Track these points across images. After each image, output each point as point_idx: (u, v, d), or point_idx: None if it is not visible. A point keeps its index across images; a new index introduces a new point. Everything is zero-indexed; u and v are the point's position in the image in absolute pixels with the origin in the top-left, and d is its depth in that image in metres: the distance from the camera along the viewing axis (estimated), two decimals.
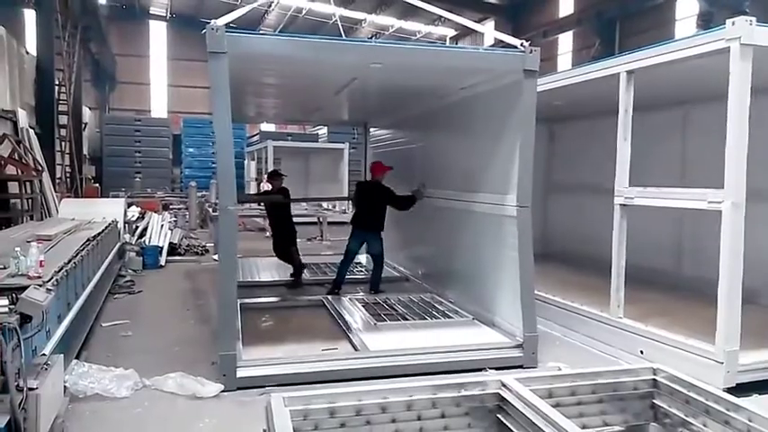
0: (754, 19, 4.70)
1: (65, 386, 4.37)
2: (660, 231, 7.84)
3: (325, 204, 19.53)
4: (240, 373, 4.95)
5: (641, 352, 5.61)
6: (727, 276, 4.82)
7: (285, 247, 9.08)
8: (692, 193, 5.29)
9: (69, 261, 5.27)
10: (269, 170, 9.39)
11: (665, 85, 6.57)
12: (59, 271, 4.71)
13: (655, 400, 3.16)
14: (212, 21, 4.90)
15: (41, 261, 4.41)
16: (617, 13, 21.31)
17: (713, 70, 5.03)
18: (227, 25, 4.89)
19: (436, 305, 7.29)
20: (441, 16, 8.31)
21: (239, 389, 4.87)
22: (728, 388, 4.53)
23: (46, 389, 3.38)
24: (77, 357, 5.34)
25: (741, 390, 4.59)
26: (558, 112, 8.64)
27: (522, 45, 5.65)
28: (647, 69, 5.72)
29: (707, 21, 14.52)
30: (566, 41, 25.26)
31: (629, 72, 5.89)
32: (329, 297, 7.62)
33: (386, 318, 6.65)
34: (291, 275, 8.98)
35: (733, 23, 4.71)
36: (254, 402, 4.53)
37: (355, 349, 5.69)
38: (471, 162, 6.94)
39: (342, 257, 8.27)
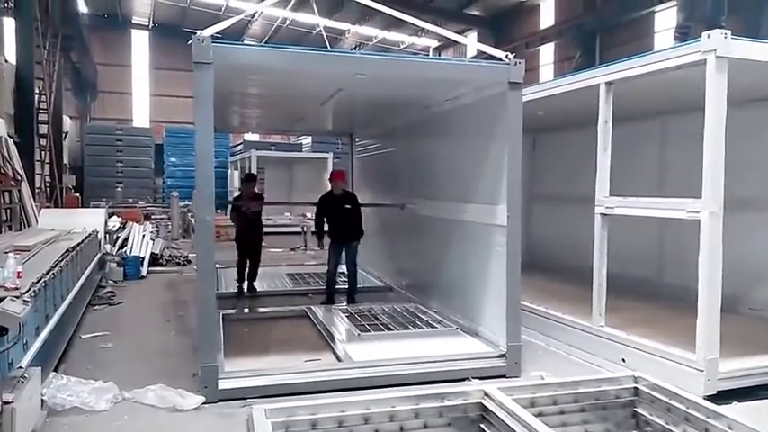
0: (729, 32, 4.80)
1: (42, 399, 4.29)
2: (641, 240, 7.93)
3: (308, 214, 19.47)
4: (222, 384, 4.89)
5: (623, 360, 5.65)
6: (706, 285, 4.88)
7: (253, 249, 9.09)
8: (671, 202, 5.36)
9: (48, 272, 5.20)
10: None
11: (644, 96, 6.67)
12: (37, 282, 4.64)
13: (636, 409, 3.19)
14: (197, 31, 4.88)
15: (19, 272, 4.35)
16: (597, 26, 21.63)
17: (690, 82, 5.13)
18: (212, 36, 4.89)
19: (420, 315, 7.29)
20: (424, 28, 8.39)
21: (221, 401, 4.80)
22: (709, 396, 4.56)
23: (22, 402, 3.32)
24: (56, 370, 5.24)
25: (721, 397, 4.64)
26: (540, 122, 8.73)
27: (506, 57, 5.70)
28: (626, 81, 5.81)
29: (684, 33, 14.78)
30: (547, 53, 25.57)
31: (609, 83, 5.98)
32: (312, 307, 7.58)
33: (369, 328, 6.63)
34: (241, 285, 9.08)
35: (709, 36, 4.80)
36: (235, 414, 4.48)
37: (339, 360, 5.66)
38: (458, 173, 6.97)
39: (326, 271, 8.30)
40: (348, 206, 8.09)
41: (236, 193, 19.71)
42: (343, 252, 8.26)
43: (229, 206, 9.78)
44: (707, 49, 4.79)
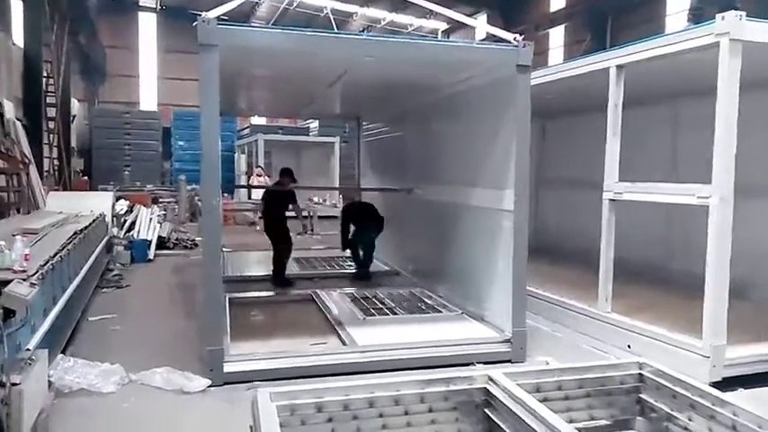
0: (743, 14, 4.70)
1: (50, 381, 4.32)
2: (649, 226, 7.87)
3: (315, 198, 19.49)
4: (227, 368, 4.92)
5: (628, 346, 5.63)
6: (714, 271, 4.84)
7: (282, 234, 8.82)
8: (681, 188, 5.30)
9: (55, 255, 5.22)
10: (282, 167, 9.40)
11: (655, 79, 6.58)
12: (45, 265, 4.66)
13: (641, 395, 3.17)
14: (203, 13, 4.84)
15: (27, 255, 4.37)
16: (608, 8, 21.34)
17: (703, 65, 5.04)
18: (218, 18, 4.84)
19: (425, 299, 7.29)
20: (432, 10, 8.29)
21: (226, 384, 4.84)
22: (714, 382, 4.55)
23: (29, 384, 3.33)
24: (63, 352, 5.29)
25: (727, 384, 4.63)
26: (549, 106, 8.65)
27: (515, 39, 5.62)
28: (637, 64, 5.73)
29: (698, 15, 14.54)
30: (557, 36, 25.28)
31: (620, 66, 5.89)
32: (318, 291, 7.59)
33: (375, 312, 6.64)
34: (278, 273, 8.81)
35: (722, 18, 4.71)
36: (241, 397, 4.50)
37: (343, 344, 5.67)
38: (466, 157, 6.93)
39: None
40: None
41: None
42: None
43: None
44: (720, 31, 4.70)
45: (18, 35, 15.58)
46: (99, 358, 5.13)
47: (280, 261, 8.68)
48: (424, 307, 6.98)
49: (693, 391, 2.89)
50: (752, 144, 5.23)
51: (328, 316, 6.56)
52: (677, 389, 2.97)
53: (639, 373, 3.21)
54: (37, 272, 4.30)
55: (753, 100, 5.17)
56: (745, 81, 4.73)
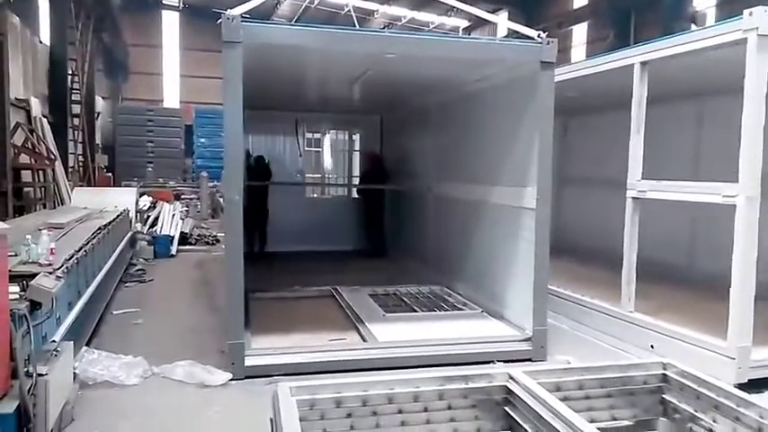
0: None
1: (74, 373, 4.39)
2: (673, 225, 7.75)
3: None
4: (248, 362, 4.97)
5: (651, 347, 5.56)
6: (740, 271, 4.75)
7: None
8: (706, 186, 5.21)
9: (80, 249, 5.31)
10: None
11: (681, 76, 6.48)
12: (70, 259, 4.74)
13: (664, 395, 3.13)
14: (226, 11, 4.88)
15: (52, 249, 4.44)
16: (631, 4, 21.02)
17: (730, 62, 4.94)
18: (242, 15, 4.87)
19: (446, 297, 7.28)
20: (453, 7, 8.25)
21: (247, 378, 4.89)
22: (740, 384, 4.49)
23: (55, 375, 3.40)
24: (88, 344, 5.38)
25: (753, 386, 4.55)
26: (571, 104, 8.55)
27: (538, 36, 5.58)
28: (662, 60, 5.64)
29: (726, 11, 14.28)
30: (580, 33, 24.99)
31: (644, 63, 5.81)
32: (338, 288, 7.62)
33: (395, 309, 6.64)
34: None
35: (750, 14, 4.61)
36: (261, 391, 4.53)
37: (363, 340, 5.69)
38: (488, 154, 6.89)
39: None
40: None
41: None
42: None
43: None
44: (748, 27, 4.60)
45: (44, 33, 15.85)
46: (122, 351, 5.21)
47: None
48: (444, 305, 6.96)
49: (718, 392, 2.85)
50: None
51: (348, 312, 6.58)
52: (702, 390, 2.93)
53: (663, 374, 3.16)
54: (62, 265, 4.37)
55: None
56: None
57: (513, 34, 6.51)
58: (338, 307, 6.95)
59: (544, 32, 5.63)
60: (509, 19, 24.25)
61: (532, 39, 5.63)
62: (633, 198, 5.92)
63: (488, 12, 11.49)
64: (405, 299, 7.18)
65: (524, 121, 5.95)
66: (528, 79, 5.74)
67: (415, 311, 6.66)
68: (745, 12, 4.65)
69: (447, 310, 6.78)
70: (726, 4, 16.56)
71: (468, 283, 7.41)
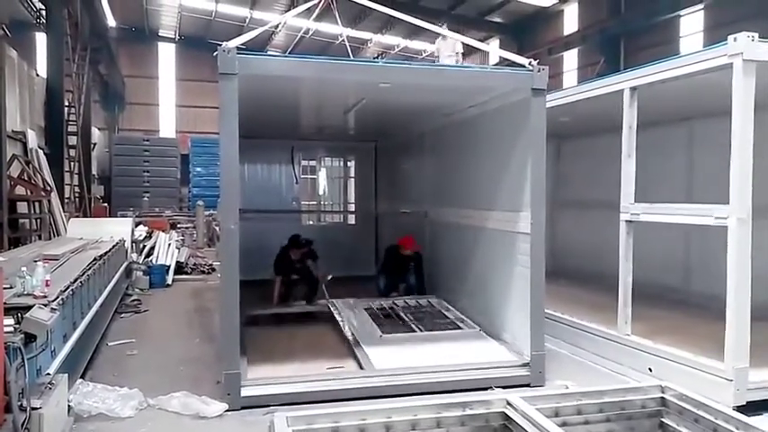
0: (756, 35, 4.70)
1: (69, 405, 4.36)
2: (668, 247, 7.79)
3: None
4: (245, 392, 4.92)
5: (650, 370, 5.54)
6: (734, 292, 4.77)
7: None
8: (698, 208, 5.26)
9: (75, 280, 5.29)
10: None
11: (670, 101, 6.57)
12: (65, 290, 4.73)
13: (663, 419, 3.12)
14: (222, 43, 4.96)
15: (47, 281, 4.43)
16: (621, 31, 21.39)
17: (718, 85, 5.04)
18: (237, 47, 4.96)
19: (443, 311, 7.29)
20: (445, 36, 8.39)
21: (244, 408, 4.84)
22: (738, 406, 4.46)
23: (49, 408, 3.37)
24: (83, 376, 5.33)
25: (751, 408, 4.53)
26: (564, 128, 8.66)
27: (530, 64, 5.68)
28: (651, 85, 5.73)
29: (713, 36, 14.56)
30: (571, 59, 25.35)
31: (633, 88, 5.90)
32: (335, 302, 7.53)
33: (392, 328, 6.64)
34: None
35: (735, 39, 4.71)
36: (258, 422, 4.50)
37: (360, 367, 5.65)
38: (482, 179, 6.94)
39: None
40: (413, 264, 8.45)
41: None
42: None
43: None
44: (733, 52, 4.70)
45: (41, 66, 16.00)
46: (117, 382, 5.17)
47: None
48: (441, 322, 6.94)
49: (717, 415, 2.85)
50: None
51: (345, 333, 6.53)
52: (700, 413, 2.93)
53: (662, 397, 3.16)
54: (57, 297, 4.36)
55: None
56: (760, 101, 4.72)
57: (504, 62, 6.60)
58: (334, 328, 6.89)
59: (535, 60, 5.73)
60: (500, 47, 24.67)
61: (524, 66, 5.72)
62: (627, 221, 5.95)
63: (480, 40, 11.70)
64: (402, 314, 7.18)
65: (517, 146, 6.01)
66: (520, 106, 5.82)
67: (413, 330, 6.63)
68: (730, 37, 4.75)
69: (444, 328, 6.75)
70: (714, 28, 16.86)
71: (467, 305, 7.38)
